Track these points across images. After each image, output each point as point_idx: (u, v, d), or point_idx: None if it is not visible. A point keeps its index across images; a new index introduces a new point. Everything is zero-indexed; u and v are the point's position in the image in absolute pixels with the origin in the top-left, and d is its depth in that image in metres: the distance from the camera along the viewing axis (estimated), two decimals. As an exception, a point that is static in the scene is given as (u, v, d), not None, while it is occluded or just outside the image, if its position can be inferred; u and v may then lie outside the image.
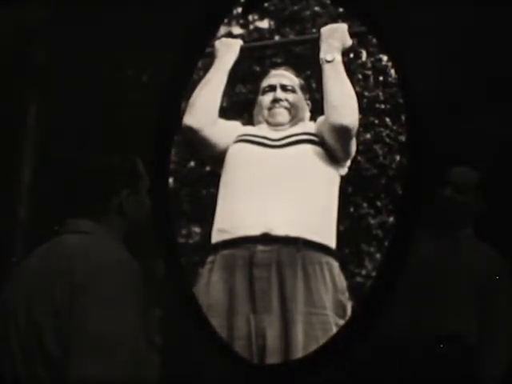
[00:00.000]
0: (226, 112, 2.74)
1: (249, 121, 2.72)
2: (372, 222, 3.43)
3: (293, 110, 2.60)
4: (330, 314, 2.29)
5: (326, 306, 2.29)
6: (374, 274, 3.33)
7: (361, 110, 2.45)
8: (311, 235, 2.33)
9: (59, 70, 3.13)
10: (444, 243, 2.38)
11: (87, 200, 1.76)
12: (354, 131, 2.42)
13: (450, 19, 2.47)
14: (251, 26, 3.87)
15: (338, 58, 2.47)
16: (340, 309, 2.32)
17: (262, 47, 3.40)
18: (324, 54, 2.48)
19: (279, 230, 2.32)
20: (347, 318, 2.32)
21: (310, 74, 3.12)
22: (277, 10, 3.81)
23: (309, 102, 2.67)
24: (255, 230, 2.34)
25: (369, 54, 3.47)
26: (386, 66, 3.47)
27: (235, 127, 2.63)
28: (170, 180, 3.58)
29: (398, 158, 3.43)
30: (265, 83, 2.65)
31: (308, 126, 2.58)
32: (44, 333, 1.57)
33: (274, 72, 2.69)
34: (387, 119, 3.45)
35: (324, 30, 2.55)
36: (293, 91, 2.62)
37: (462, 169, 2.41)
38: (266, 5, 3.78)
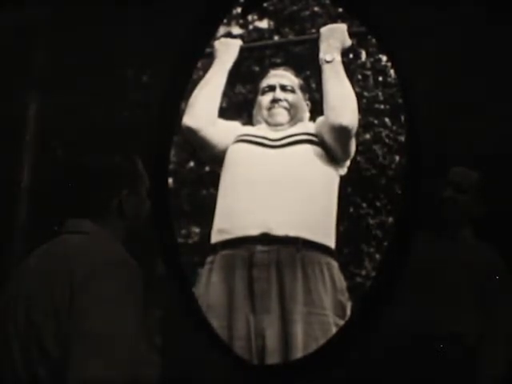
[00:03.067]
0: (225, 112, 2.74)
1: (248, 121, 2.72)
2: (371, 222, 3.44)
3: (292, 110, 2.60)
4: (330, 315, 2.29)
5: (325, 307, 2.28)
6: (373, 274, 3.33)
7: (360, 110, 2.44)
8: (311, 235, 2.33)
9: (59, 69, 3.13)
10: (444, 243, 2.38)
11: (87, 200, 1.76)
12: (354, 131, 2.42)
13: (450, 19, 2.47)
14: (251, 26, 3.87)
15: (338, 58, 2.47)
16: (340, 309, 2.32)
17: (262, 47, 3.40)
18: (323, 55, 2.48)
19: (278, 230, 2.32)
20: (347, 318, 2.31)
21: (310, 74, 3.12)
22: (276, 10, 3.81)
23: (308, 102, 2.67)
24: (254, 230, 2.33)
25: (368, 55, 3.48)
26: (386, 67, 3.47)
27: (235, 127, 2.62)
28: (170, 180, 3.58)
29: (397, 158, 3.43)
30: (264, 83, 2.65)
31: (307, 126, 2.58)
32: (44, 333, 1.57)
33: (273, 72, 2.69)
34: (387, 119, 3.46)
35: (323, 30, 2.55)
36: (292, 91, 2.61)
37: (462, 169, 2.41)
38: (265, 5, 3.79)
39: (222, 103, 2.58)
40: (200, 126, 2.50)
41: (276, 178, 2.40)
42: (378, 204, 3.45)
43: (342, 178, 2.52)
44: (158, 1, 3.05)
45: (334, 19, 3.25)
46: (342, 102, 2.41)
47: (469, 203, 2.37)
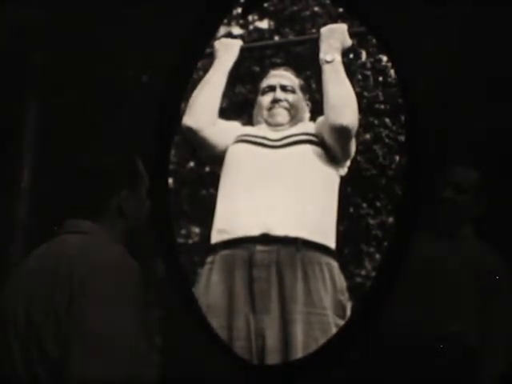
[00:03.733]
0: (225, 112, 2.75)
1: (248, 121, 2.72)
2: (371, 222, 3.43)
3: (292, 110, 2.60)
4: (330, 315, 2.28)
5: (325, 307, 2.28)
6: (373, 274, 3.33)
7: (360, 110, 2.44)
8: (311, 235, 2.33)
9: (59, 69, 3.13)
10: (444, 243, 2.38)
11: (87, 200, 1.75)
12: (354, 131, 2.42)
13: (450, 19, 2.47)
14: (251, 27, 3.87)
15: (338, 58, 2.47)
16: (340, 309, 2.32)
17: (262, 47, 3.40)
18: (324, 55, 2.48)
19: (278, 231, 2.32)
20: (347, 318, 2.31)
21: (310, 75, 3.12)
22: (276, 10, 3.81)
23: (308, 102, 2.67)
24: (254, 230, 2.33)
25: (368, 55, 3.48)
26: (386, 67, 3.47)
27: (235, 127, 2.63)
28: (170, 180, 3.58)
29: (397, 158, 3.43)
30: (264, 83, 2.65)
31: (308, 127, 2.58)
32: (44, 333, 1.57)
33: (273, 72, 2.69)
34: (387, 119, 3.45)
35: (324, 30, 2.55)
36: (292, 91, 2.61)
37: (462, 169, 2.41)
38: (265, 5, 3.78)
39: (222, 103, 2.58)
40: (200, 126, 2.50)
41: (276, 178, 2.40)
42: (378, 204, 3.44)
43: (342, 178, 2.52)
44: (158, 1, 3.05)
45: (334, 19, 3.25)
46: (342, 102, 2.41)
47: (469, 203, 2.37)
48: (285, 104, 2.59)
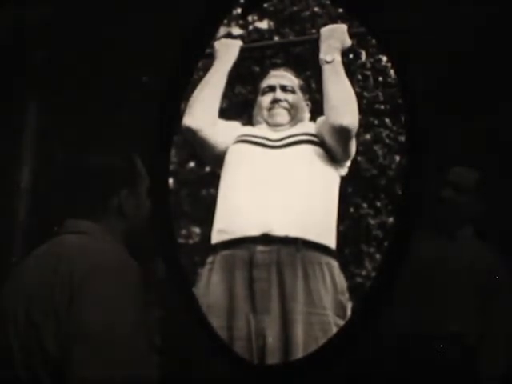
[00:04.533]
0: (225, 112, 2.74)
1: (248, 121, 2.72)
2: (372, 222, 3.43)
3: (292, 110, 2.60)
4: (330, 315, 2.29)
5: (325, 307, 2.29)
6: (373, 274, 3.32)
7: (360, 110, 2.44)
8: (311, 235, 2.33)
9: (59, 69, 3.12)
10: (444, 243, 2.38)
11: (87, 200, 1.75)
12: (354, 132, 2.42)
13: (450, 19, 2.47)
14: (251, 27, 3.86)
15: (338, 58, 2.48)
16: (340, 309, 2.32)
17: (262, 48, 3.40)
18: (324, 55, 2.49)
19: (279, 231, 2.33)
20: (347, 318, 2.31)
21: (310, 75, 3.12)
22: (276, 10, 3.80)
23: (308, 102, 2.67)
24: (255, 231, 2.34)
25: (368, 55, 3.47)
26: (386, 67, 3.46)
27: (235, 128, 2.63)
28: (170, 180, 3.58)
29: (397, 158, 3.42)
30: (264, 84, 2.66)
31: (308, 127, 2.58)
32: (43, 333, 1.57)
33: (273, 72, 2.69)
34: (387, 120, 3.44)
35: (323, 30, 2.56)
36: (292, 92, 2.62)
37: (462, 169, 2.41)
38: (265, 5, 3.78)
39: (222, 104, 2.59)
40: (200, 126, 2.51)
41: (276, 179, 2.40)
42: (378, 204, 3.44)
43: (343, 179, 2.52)
44: (158, 1, 3.05)
45: (334, 20, 3.24)
46: (343, 102, 2.41)
47: (469, 203, 2.38)
48: (285, 104, 2.60)
